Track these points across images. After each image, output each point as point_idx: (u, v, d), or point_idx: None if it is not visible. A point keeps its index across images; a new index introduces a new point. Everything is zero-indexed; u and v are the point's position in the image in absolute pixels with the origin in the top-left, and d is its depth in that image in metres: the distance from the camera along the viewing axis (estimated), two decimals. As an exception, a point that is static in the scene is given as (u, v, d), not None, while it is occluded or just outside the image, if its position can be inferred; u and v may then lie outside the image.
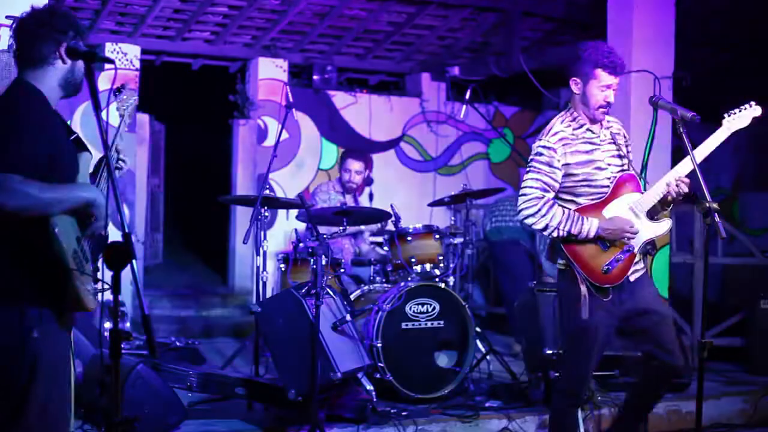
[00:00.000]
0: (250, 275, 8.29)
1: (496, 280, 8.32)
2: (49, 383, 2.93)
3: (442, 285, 5.55)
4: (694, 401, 3.74)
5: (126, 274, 2.73)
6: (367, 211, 6.22)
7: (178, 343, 6.54)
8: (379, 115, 9.15)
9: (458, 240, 6.18)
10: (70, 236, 2.89)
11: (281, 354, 4.73)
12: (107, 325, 4.59)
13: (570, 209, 3.99)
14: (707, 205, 3.71)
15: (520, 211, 4.00)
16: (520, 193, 4.04)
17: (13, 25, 3.02)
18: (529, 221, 3.98)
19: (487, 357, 5.96)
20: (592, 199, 4.04)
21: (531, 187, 3.99)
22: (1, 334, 2.87)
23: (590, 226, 3.94)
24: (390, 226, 5.98)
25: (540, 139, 4.07)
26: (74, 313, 3.02)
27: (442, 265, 5.78)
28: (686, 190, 4.02)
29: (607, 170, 4.06)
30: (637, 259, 4.10)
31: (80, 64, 3.01)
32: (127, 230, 2.72)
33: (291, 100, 5.86)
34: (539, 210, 3.94)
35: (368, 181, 8.63)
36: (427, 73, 9.40)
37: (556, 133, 4.04)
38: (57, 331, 2.96)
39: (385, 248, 5.87)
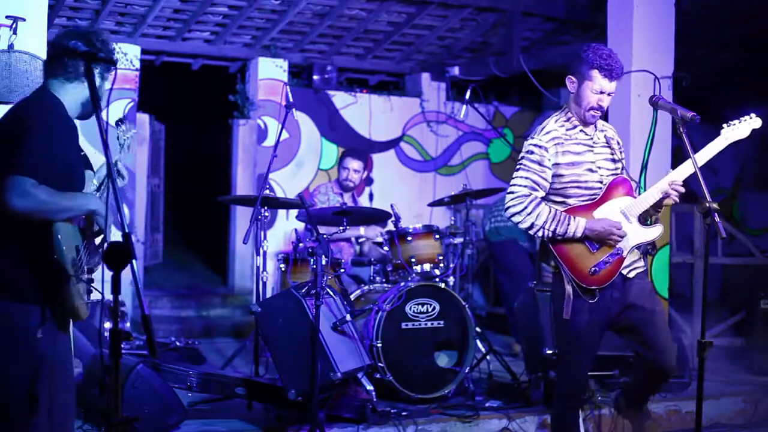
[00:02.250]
0: (250, 275, 8.29)
1: (496, 280, 8.32)
2: (52, 385, 2.95)
3: (442, 285, 5.55)
4: (694, 401, 3.74)
5: (126, 274, 2.73)
6: (367, 211, 6.23)
7: (178, 343, 6.54)
8: (379, 115, 9.15)
9: (458, 240, 6.18)
10: (71, 244, 2.96)
11: (281, 354, 4.73)
12: (107, 325, 4.63)
13: (558, 210, 3.98)
14: (707, 205, 3.71)
15: (507, 208, 4.02)
16: (508, 191, 4.05)
17: (56, 36, 3.11)
18: (515, 219, 4.00)
19: (487, 357, 5.96)
20: (583, 201, 4.03)
21: (519, 185, 4.00)
22: (6, 333, 2.91)
23: (576, 226, 3.94)
24: (390, 226, 5.98)
25: (532, 137, 4.07)
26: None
27: (442, 265, 5.78)
28: (677, 199, 4.03)
29: (599, 172, 4.05)
30: (636, 257, 4.09)
31: (105, 86, 3.11)
32: (127, 230, 2.74)
33: (291, 100, 5.86)
34: (525, 208, 3.95)
35: (368, 181, 8.64)
36: (427, 73, 9.40)
37: (548, 132, 4.03)
38: (58, 333, 2.98)
39: (385, 248, 5.87)
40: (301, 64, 8.91)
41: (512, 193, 4.00)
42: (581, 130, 4.07)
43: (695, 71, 6.76)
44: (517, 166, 4.06)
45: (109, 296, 2.79)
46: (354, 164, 6.59)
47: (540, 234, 3.97)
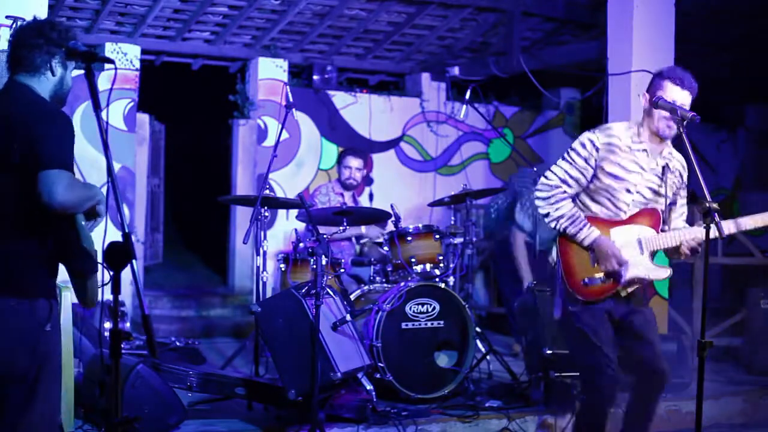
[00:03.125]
0: (250, 275, 8.29)
1: (496, 278, 8.32)
2: (52, 380, 2.97)
3: (442, 285, 5.55)
4: (694, 401, 3.73)
5: (126, 274, 2.74)
6: (367, 211, 6.22)
7: (178, 343, 6.54)
8: (379, 115, 9.15)
9: (458, 240, 6.18)
10: (88, 231, 3.02)
11: (281, 354, 4.73)
12: (107, 325, 4.63)
13: (580, 212, 3.99)
14: (707, 205, 3.71)
15: (536, 189, 4.07)
16: (545, 173, 4.07)
17: (12, 31, 3.11)
18: (537, 203, 4.07)
19: (487, 357, 5.96)
20: (605, 214, 4.03)
21: (554, 174, 4.04)
22: (17, 328, 2.92)
23: (588, 234, 3.95)
24: (390, 226, 5.98)
25: (593, 132, 4.05)
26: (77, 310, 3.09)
27: (442, 265, 5.78)
28: (687, 252, 4.01)
29: (633, 196, 4.02)
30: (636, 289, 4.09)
31: (68, 77, 3.10)
32: (127, 230, 2.74)
33: (291, 100, 5.86)
34: (550, 197, 4.00)
35: (368, 181, 8.64)
36: (427, 73, 9.40)
37: (610, 135, 4.01)
38: (59, 328, 3.01)
39: (385, 248, 5.87)
40: (301, 64, 8.91)
41: (546, 177, 4.05)
42: (644, 150, 4.01)
43: (695, 71, 6.76)
44: (565, 153, 4.06)
45: (109, 296, 2.81)
46: (355, 162, 6.59)
47: (553, 225, 4.02)
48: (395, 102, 9.26)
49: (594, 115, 7.73)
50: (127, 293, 7.32)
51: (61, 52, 3.01)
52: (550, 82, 8.73)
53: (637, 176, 4.02)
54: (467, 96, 7.09)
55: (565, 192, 3.99)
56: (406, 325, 5.35)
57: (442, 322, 5.44)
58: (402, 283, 5.47)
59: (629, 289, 4.07)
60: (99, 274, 3.00)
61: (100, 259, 2.82)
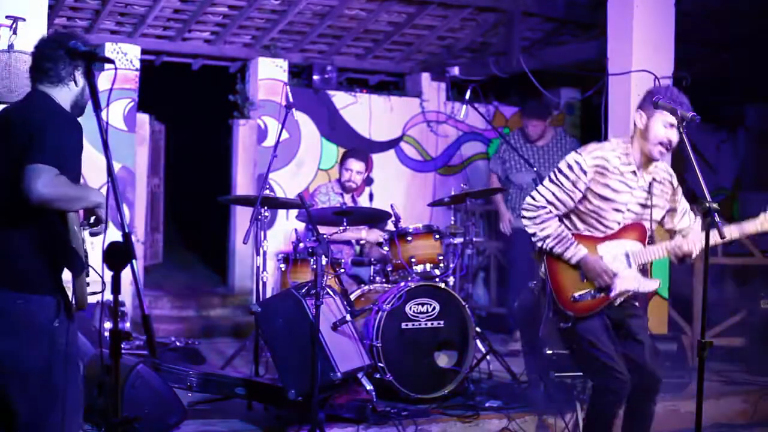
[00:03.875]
0: (250, 275, 8.29)
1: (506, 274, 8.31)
2: (70, 379, 2.99)
3: (442, 285, 5.55)
4: (694, 401, 3.73)
5: (126, 274, 2.74)
6: (367, 211, 6.22)
7: (178, 343, 6.54)
8: (379, 115, 9.15)
9: (458, 240, 6.18)
10: (80, 234, 3.06)
11: (281, 354, 4.73)
12: (107, 325, 4.63)
13: (566, 231, 3.98)
14: (707, 205, 3.71)
15: (523, 207, 4.09)
16: (532, 192, 4.07)
17: (36, 44, 3.19)
18: (524, 222, 4.08)
19: (487, 357, 5.96)
20: (593, 232, 4.03)
21: (541, 195, 4.02)
22: (26, 325, 2.96)
23: (575, 253, 3.96)
24: (390, 226, 5.98)
25: (580, 153, 4.02)
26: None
27: (442, 265, 5.78)
28: (675, 260, 4.04)
29: (624, 214, 4.02)
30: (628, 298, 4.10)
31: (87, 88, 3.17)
32: (127, 230, 2.74)
33: (291, 100, 5.87)
34: (536, 217, 4.01)
35: (368, 181, 8.63)
36: (427, 73, 9.39)
37: (596, 157, 3.98)
38: (69, 323, 3.03)
39: (385, 248, 5.87)
40: (301, 64, 8.90)
41: (532, 197, 4.04)
42: (633, 172, 4.00)
43: (695, 71, 6.77)
44: (552, 174, 4.04)
45: (109, 296, 2.82)
46: (356, 165, 6.59)
47: (539, 245, 4.03)
48: (395, 102, 9.25)
49: (594, 115, 7.73)
50: (127, 293, 7.32)
51: (84, 64, 3.11)
52: (550, 82, 8.72)
53: (627, 195, 4.02)
54: (467, 96, 7.09)
55: (550, 212, 4.00)
56: (406, 325, 5.34)
57: (442, 322, 5.44)
58: (402, 283, 5.47)
59: (619, 300, 4.08)
60: (93, 277, 3.03)
61: (99, 259, 2.83)
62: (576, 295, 3.96)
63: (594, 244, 4.00)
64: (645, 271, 4.12)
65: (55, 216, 2.99)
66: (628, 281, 4.00)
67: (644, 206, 4.06)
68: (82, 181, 3.25)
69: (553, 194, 3.99)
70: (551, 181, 4.03)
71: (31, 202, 2.84)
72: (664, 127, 3.94)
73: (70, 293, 3.05)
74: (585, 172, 3.96)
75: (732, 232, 3.97)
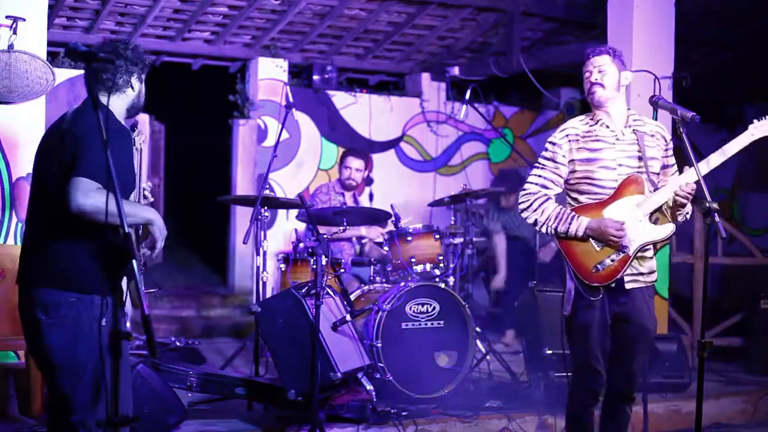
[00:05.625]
0: (250, 275, 8.29)
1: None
2: (121, 377, 3.03)
3: (442, 285, 5.55)
4: (694, 401, 3.73)
5: (125, 274, 2.75)
6: (367, 211, 6.22)
7: (178, 343, 6.54)
8: (379, 115, 9.15)
9: (458, 240, 6.19)
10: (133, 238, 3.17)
11: (281, 354, 4.73)
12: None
13: (564, 208, 4.02)
14: (707, 205, 3.70)
15: (519, 203, 4.13)
16: (521, 187, 4.12)
17: (90, 53, 3.16)
18: (523, 215, 4.11)
19: (487, 357, 5.96)
20: (595, 199, 4.02)
21: (530, 182, 4.11)
22: (75, 324, 3.08)
23: (578, 225, 3.96)
24: (390, 226, 5.98)
25: (551, 135, 4.17)
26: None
27: (442, 265, 5.78)
28: (684, 200, 4.00)
29: (617, 170, 4.00)
30: (645, 269, 4.05)
31: (143, 90, 3.37)
32: (127, 230, 2.74)
33: (291, 100, 5.87)
34: (531, 204, 4.05)
35: (368, 181, 8.63)
36: (427, 73, 9.40)
37: (563, 129, 4.13)
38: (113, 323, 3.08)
39: (385, 248, 5.87)
40: (301, 64, 8.90)
41: (524, 189, 4.11)
42: (605, 126, 4.05)
43: (695, 71, 6.77)
44: (534, 164, 4.17)
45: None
46: (356, 163, 6.59)
47: (544, 230, 4.04)
48: (395, 102, 9.26)
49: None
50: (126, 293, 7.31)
51: (138, 69, 3.29)
52: (550, 82, 8.73)
53: (609, 151, 4.02)
54: (467, 96, 7.10)
55: (545, 195, 4.04)
56: (406, 325, 5.34)
57: (442, 322, 5.44)
58: (402, 283, 5.47)
59: (635, 276, 4.03)
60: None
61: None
62: (598, 265, 3.96)
63: (599, 209, 4.00)
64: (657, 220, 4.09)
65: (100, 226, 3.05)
66: (643, 234, 3.98)
67: (640, 158, 4.05)
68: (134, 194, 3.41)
69: (540, 176, 4.07)
70: (535, 167, 4.13)
71: (70, 212, 2.95)
72: (585, 78, 4.08)
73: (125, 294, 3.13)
74: (558, 145, 4.07)
75: (718, 158, 4.00)
